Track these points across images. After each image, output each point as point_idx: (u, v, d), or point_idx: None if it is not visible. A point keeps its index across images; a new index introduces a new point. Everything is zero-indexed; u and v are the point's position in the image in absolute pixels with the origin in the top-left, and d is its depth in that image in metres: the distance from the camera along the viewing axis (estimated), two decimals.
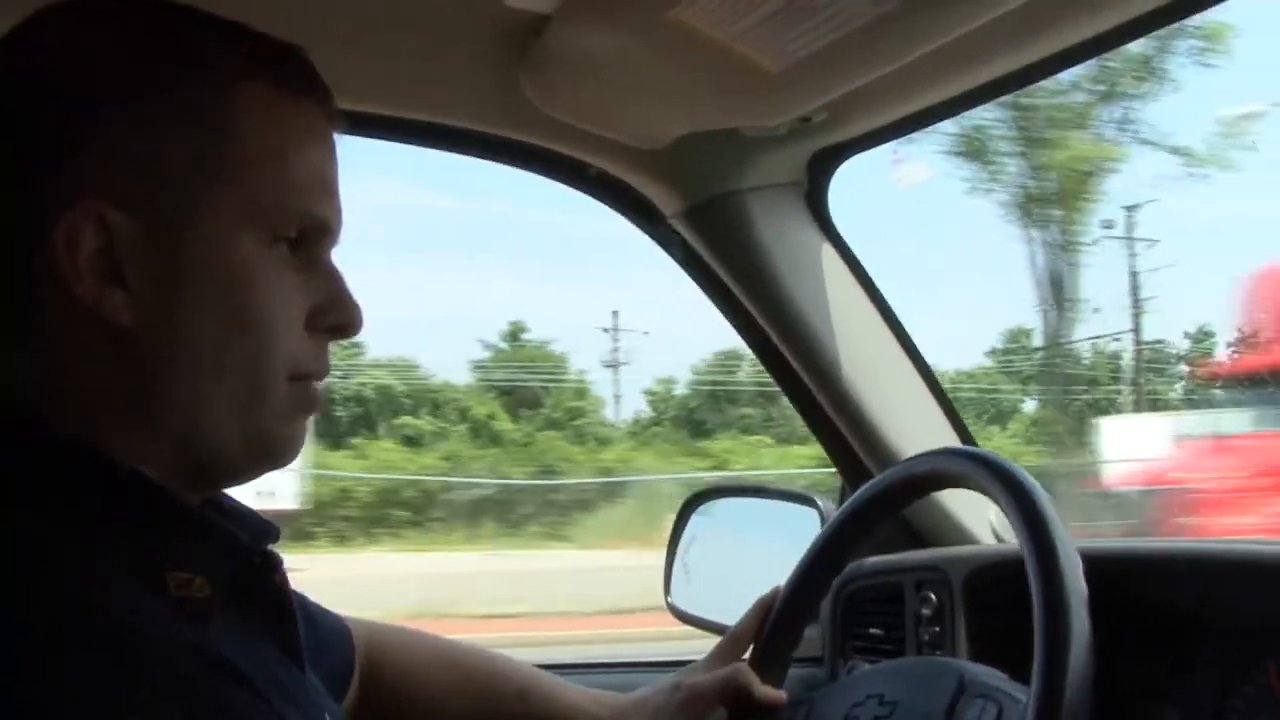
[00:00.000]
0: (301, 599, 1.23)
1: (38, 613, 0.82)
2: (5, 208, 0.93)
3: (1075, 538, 1.21)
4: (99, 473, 0.92)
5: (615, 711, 1.46)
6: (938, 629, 1.73)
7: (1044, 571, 1.17)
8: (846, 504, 1.50)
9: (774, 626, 1.48)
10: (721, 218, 1.84)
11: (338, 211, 1.02)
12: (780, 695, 1.43)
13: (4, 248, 0.94)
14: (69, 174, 0.92)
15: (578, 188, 1.90)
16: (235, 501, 1.08)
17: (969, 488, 1.34)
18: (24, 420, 0.93)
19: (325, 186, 1.01)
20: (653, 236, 1.95)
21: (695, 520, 2.15)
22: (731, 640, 1.50)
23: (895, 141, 1.75)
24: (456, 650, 1.51)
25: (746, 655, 1.51)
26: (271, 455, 1.01)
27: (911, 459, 1.48)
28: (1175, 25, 1.43)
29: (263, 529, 1.05)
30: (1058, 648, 1.12)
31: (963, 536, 1.93)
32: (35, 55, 0.96)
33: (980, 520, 1.93)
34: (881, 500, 1.47)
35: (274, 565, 1.04)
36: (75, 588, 0.85)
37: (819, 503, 1.97)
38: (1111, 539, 1.75)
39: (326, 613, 1.34)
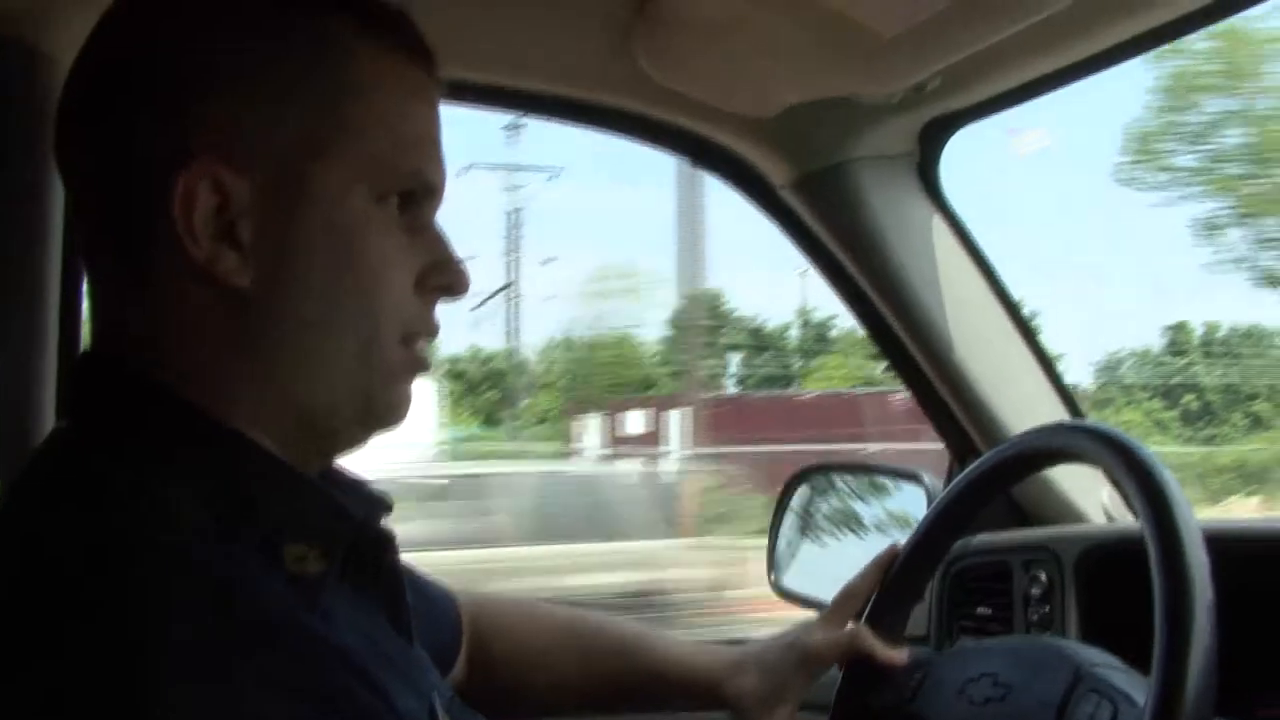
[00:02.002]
0: (409, 570, 1.23)
1: (162, 587, 0.82)
2: (122, 167, 0.94)
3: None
4: (210, 438, 0.93)
5: (727, 665, 1.44)
6: (1047, 609, 1.70)
7: (1165, 545, 1.13)
8: (963, 475, 1.47)
9: (892, 584, 1.46)
10: (832, 188, 1.83)
11: (443, 173, 1.03)
12: (900, 656, 1.40)
13: (121, 207, 0.94)
14: (182, 132, 0.92)
15: (684, 156, 1.90)
16: (349, 474, 1.08)
17: (1087, 463, 1.31)
18: (142, 384, 0.94)
19: (432, 147, 1.02)
20: (762, 207, 1.94)
21: (799, 497, 2.14)
22: (846, 595, 1.47)
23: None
24: (560, 615, 1.51)
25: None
26: (381, 416, 1.01)
27: (1027, 433, 1.44)
28: None
29: (377, 502, 1.06)
30: (1181, 628, 1.08)
31: (1072, 514, 1.91)
32: (151, 15, 0.97)
33: (1091, 498, 1.90)
34: (997, 474, 1.44)
35: (387, 539, 1.04)
36: (188, 558, 0.85)
37: (925, 479, 1.95)
38: (1237, 519, 1.70)
39: (433, 584, 1.35)
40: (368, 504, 1.04)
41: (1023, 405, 1.89)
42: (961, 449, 1.97)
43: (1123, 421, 34.43)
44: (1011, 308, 1.91)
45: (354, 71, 0.96)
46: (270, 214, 0.93)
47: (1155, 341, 38.57)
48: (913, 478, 2.00)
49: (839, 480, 2.20)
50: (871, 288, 1.89)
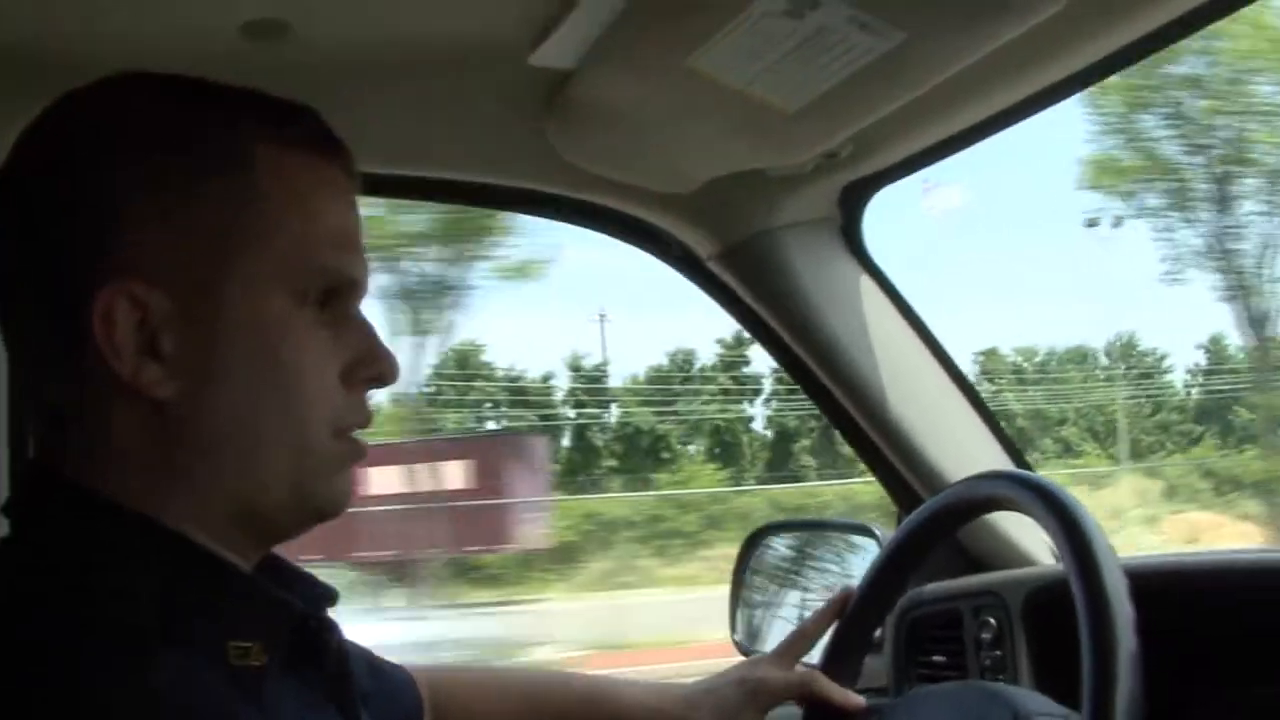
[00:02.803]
0: (365, 653, 1.25)
1: (91, 694, 0.84)
2: (41, 292, 0.95)
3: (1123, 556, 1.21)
4: (154, 543, 0.94)
5: (680, 703, 1.46)
6: (998, 653, 1.72)
7: (1089, 594, 1.16)
8: (897, 531, 1.51)
9: (844, 630, 1.49)
10: (758, 257, 1.85)
11: (364, 266, 1.04)
12: (860, 700, 1.43)
13: (45, 321, 0.96)
14: (99, 255, 0.93)
15: (614, 235, 1.93)
16: (291, 564, 1.09)
17: (1014, 510, 1.34)
18: (75, 492, 0.95)
19: (350, 242, 1.03)
20: (693, 280, 1.97)
21: (757, 556, 2.16)
22: (798, 635, 1.51)
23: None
24: (517, 680, 1.53)
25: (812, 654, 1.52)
26: (322, 509, 1.02)
27: (958, 483, 1.48)
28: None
29: (320, 591, 1.07)
30: (1105, 675, 1.11)
31: (1021, 559, 1.93)
32: (56, 140, 0.98)
33: (1036, 541, 1.92)
34: (933, 523, 1.47)
35: (330, 628, 1.04)
36: (128, 665, 0.86)
37: (877, 533, 1.97)
38: (1157, 555, 1.74)
39: (390, 664, 1.36)
40: (311, 595, 1.05)
41: (962, 454, 1.91)
42: (906, 501, 1.99)
43: None
44: (944, 359, 1.94)
45: (260, 175, 0.97)
46: (190, 324, 0.94)
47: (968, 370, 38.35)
48: (864, 531, 2.03)
49: (794, 538, 2.22)
50: (805, 351, 1.91)
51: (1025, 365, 40.97)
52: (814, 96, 1.33)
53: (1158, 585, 1.34)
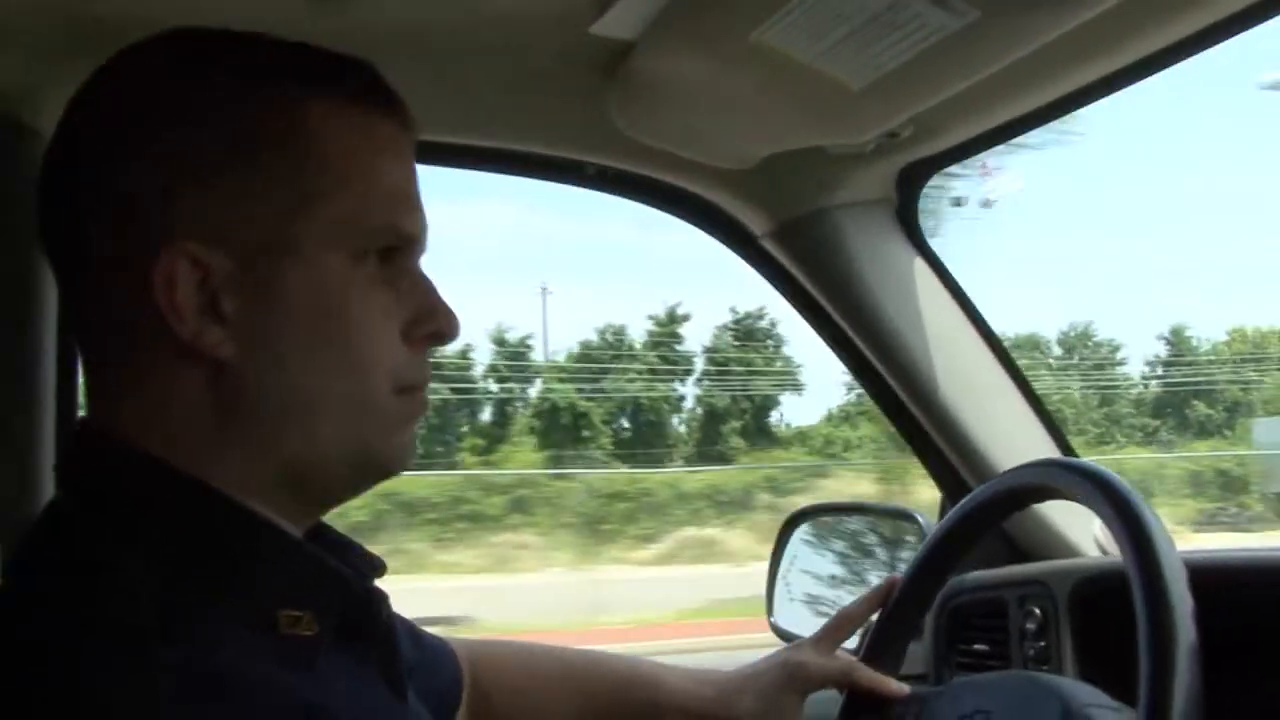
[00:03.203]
0: (407, 624, 1.25)
1: (139, 661, 0.84)
2: (99, 253, 0.96)
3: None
4: (205, 508, 0.94)
5: (724, 689, 1.46)
6: (1043, 644, 1.71)
7: (1148, 585, 1.14)
8: (945, 519, 1.49)
9: (888, 618, 1.48)
10: (812, 236, 1.85)
11: (422, 222, 1.04)
12: (903, 688, 1.42)
13: (106, 288, 0.96)
14: (158, 217, 0.93)
15: (667, 210, 1.92)
16: (341, 535, 1.09)
17: (1069, 499, 1.32)
18: (129, 453, 0.95)
19: (407, 199, 1.03)
20: (744, 257, 1.96)
21: (796, 539, 2.16)
22: (841, 619, 1.50)
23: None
24: (556, 656, 1.53)
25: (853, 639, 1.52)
26: (385, 467, 1.03)
27: (1010, 471, 1.46)
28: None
29: (369, 562, 1.07)
30: (1164, 668, 1.09)
31: (1066, 549, 1.92)
32: (110, 104, 0.98)
33: (1083, 532, 1.91)
34: (983, 511, 1.45)
35: (381, 599, 1.05)
36: (179, 632, 0.86)
37: (919, 518, 1.96)
38: (1220, 549, 1.72)
39: (431, 636, 1.36)
40: (360, 565, 1.05)
41: (1011, 442, 1.90)
42: (952, 487, 1.98)
43: (860, 435, 34.38)
44: (996, 346, 1.92)
45: (319, 133, 0.97)
46: (250, 285, 0.94)
47: None
48: (906, 516, 2.02)
49: (834, 521, 2.22)
50: (855, 332, 1.91)
51: None
52: (881, 74, 1.32)
53: (1215, 579, 1.32)
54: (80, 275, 0.98)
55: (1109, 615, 1.38)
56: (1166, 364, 39.90)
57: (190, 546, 0.92)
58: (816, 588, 2.14)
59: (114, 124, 0.97)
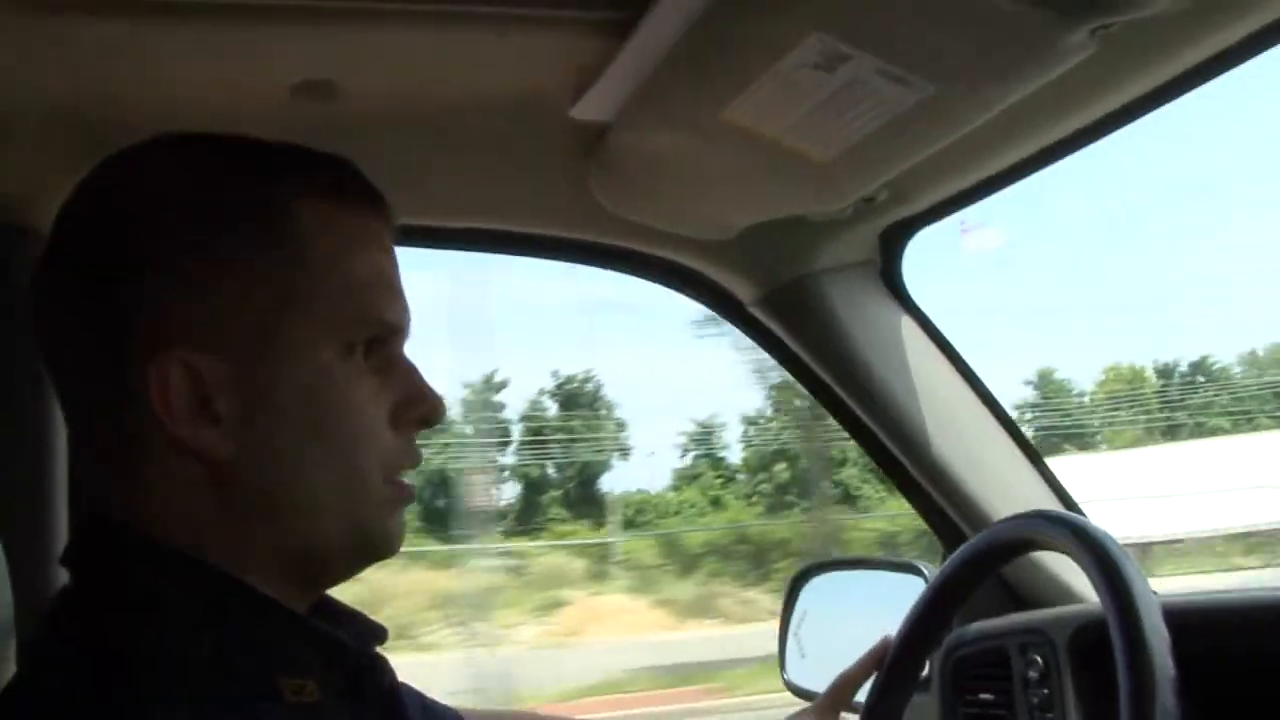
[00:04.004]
0: (419, 695, 1.27)
1: None
2: (93, 353, 0.98)
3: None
4: (211, 588, 0.96)
5: None
6: (1046, 691, 1.72)
7: (1124, 625, 1.17)
8: (935, 575, 1.52)
9: (888, 672, 1.51)
10: (799, 301, 1.88)
11: (406, 311, 1.06)
12: None
13: (100, 390, 0.98)
14: (150, 324, 0.96)
15: (656, 281, 1.95)
16: (340, 604, 1.11)
17: (1050, 549, 1.35)
18: (135, 540, 0.97)
19: (390, 289, 1.05)
20: (735, 323, 1.99)
21: (805, 595, 2.17)
22: (841, 682, 1.53)
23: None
24: None
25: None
26: (375, 551, 1.04)
27: (996, 525, 1.49)
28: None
29: (371, 631, 1.09)
30: (1143, 699, 1.13)
31: (1066, 596, 1.93)
32: (103, 206, 1.01)
33: (1082, 578, 1.91)
34: (974, 563, 1.48)
35: (382, 666, 1.07)
36: (187, 702, 0.89)
37: (924, 570, 1.98)
38: (1198, 593, 1.73)
39: (441, 705, 1.38)
40: (362, 634, 1.07)
41: (1008, 493, 1.92)
42: (952, 540, 2.00)
43: (681, 500, 32.36)
44: (987, 399, 1.95)
45: (305, 233, 0.99)
46: (242, 386, 0.96)
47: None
48: (910, 569, 2.04)
49: (840, 576, 2.23)
50: (848, 393, 1.93)
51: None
52: (848, 145, 1.35)
53: (1196, 622, 1.35)
54: (75, 378, 1.01)
55: (1108, 661, 1.40)
56: (1034, 407, 38.59)
57: (197, 624, 0.95)
58: (826, 643, 2.15)
59: (102, 232, 0.99)
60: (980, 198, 1.72)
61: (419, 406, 1.05)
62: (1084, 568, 1.27)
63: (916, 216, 1.77)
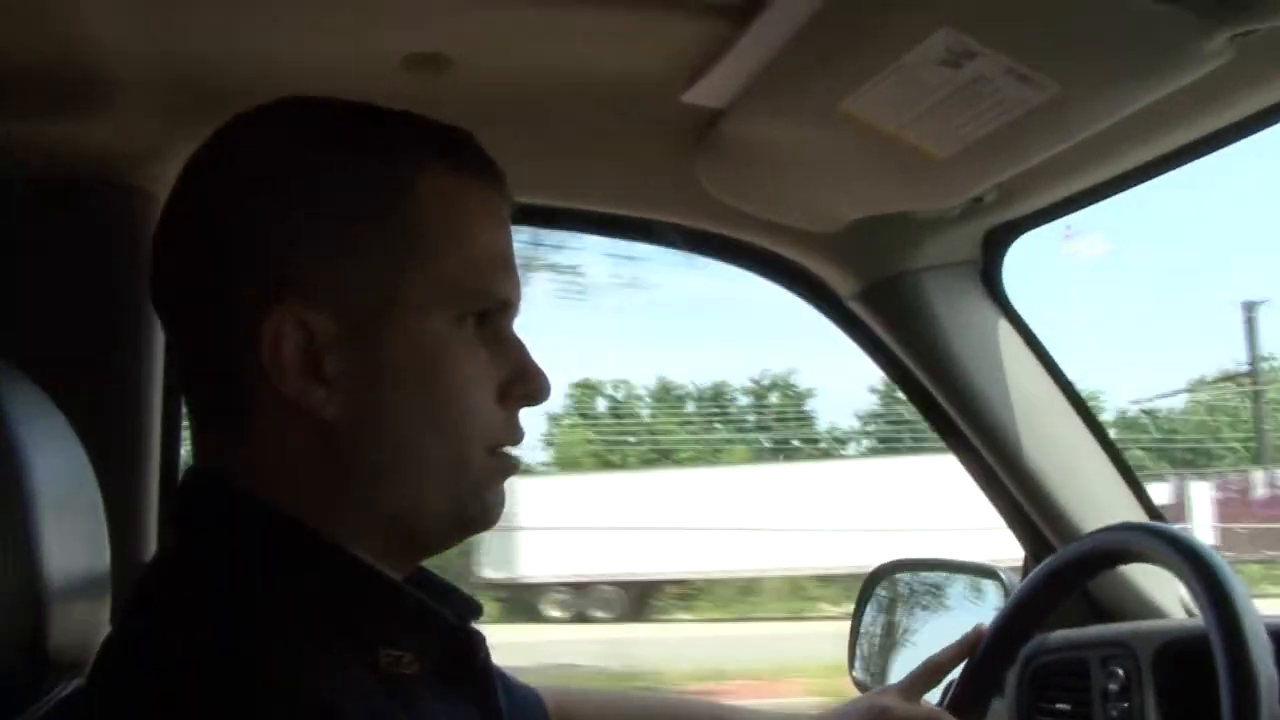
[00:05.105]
0: (500, 671, 1.28)
1: (247, 694, 0.87)
2: (209, 312, 0.99)
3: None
4: (315, 554, 0.98)
5: None
6: (1126, 705, 1.70)
7: (1230, 652, 1.15)
8: (1035, 570, 1.50)
9: (970, 674, 1.50)
10: (897, 298, 1.87)
11: (517, 286, 1.06)
12: None
13: (213, 347, 1.00)
14: (266, 279, 0.97)
15: (755, 271, 1.96)
16: (440, 579, 1.12)
17: (1154, 563, 1.33)
18: (241, 500, 0.99)
19: (505, 264, 1.05)
20: (830, 317, 1.99)
21: (879, 593, 2.16)
22: (929, 668, 1.51)
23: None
24: (637, 699, 1.55)
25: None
26: (475, 524, 1.05)
27: (1096, 532, 1.48)
28: None
29: (467, 606, 1.09)
30: None
31: (1150, 610, 1.91)
32: (223, 168, 1.02)
33: (1168, 594, 1.90)
34: (1069, 571, 1.47)
35: (479, 641, 1.07)
36: (285, 669, 0.89)
37: (1002, 575, 1.96)
38: None
39: (520, 683, 1.39)
40: (460, 608, 1.08)
41: (1095, 503, 1.90)
42: (1036, 547, 1.98)
43: None
44: (1080, 406, 1.93)
45: (424, 201, 1.00)
46: (353, 347, 0.97)
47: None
48: (990, 574, 2.02)
49: (917, 577, 2.22)
50: (940, 392, 1.92)
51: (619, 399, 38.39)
52: (966, 144, 1.34)
53: None
54: (189, 331, 1.03)
55: (1193, 678, 1.39)
56: (875, 416, 37.06)
57: (301, 589, 0.96)
58: (899, 642, 2.14)
59: (228, 185, 1.01)
60: (1089, 203, 1.71)
61: (526, 383, 1.06)
62: (1183, 579, 1.26)
63: (1023, 219, 1.76)
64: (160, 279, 1.04)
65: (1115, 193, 1.67)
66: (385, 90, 1.09)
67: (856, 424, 37.44)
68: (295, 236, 0.98)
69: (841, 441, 36.78)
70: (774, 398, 37.87)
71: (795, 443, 36.68)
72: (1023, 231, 1.80)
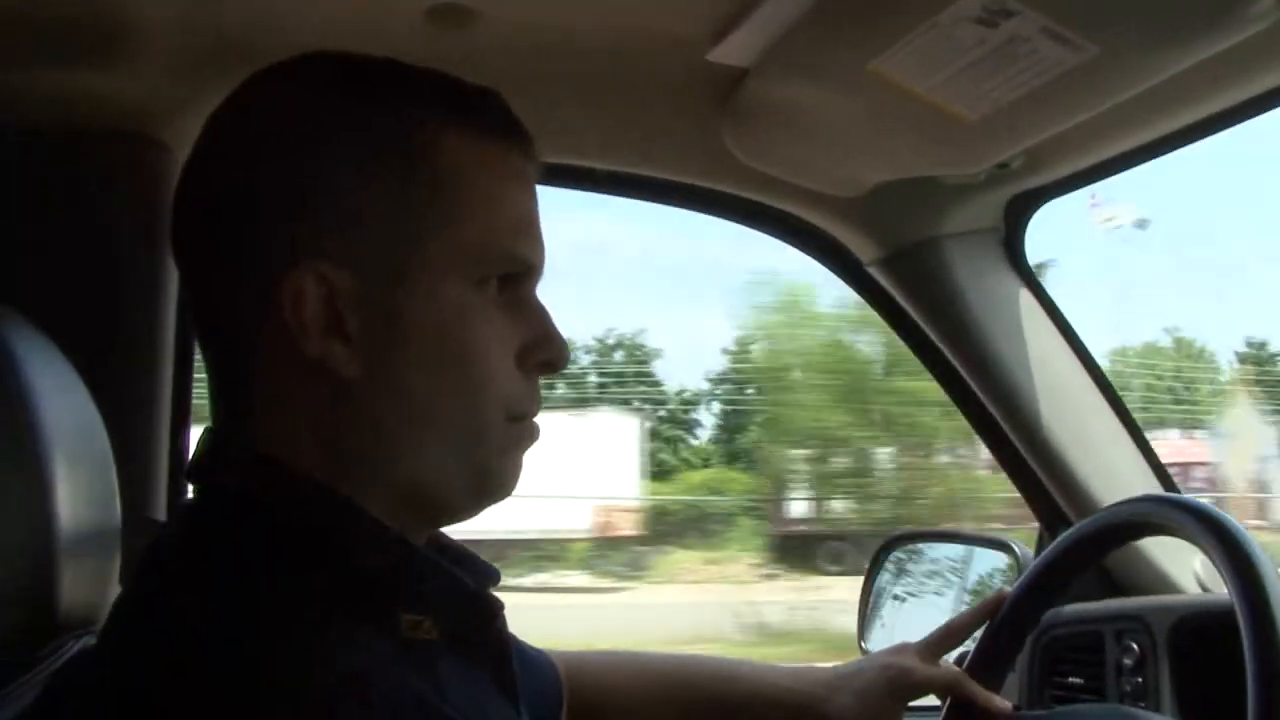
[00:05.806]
0: (513, 638, 1.27)
1: (264, 659, 0.86)
2: (230, 270, 0.98)
3: None
4: (334, 516, 0.96)
5: (823, 687, 1.45)
6: (1139, 680, 1.70)
7: (1256, 623, 1.14)
8: (1054, 543, 1.49)
9: (985, 644, 1.48)
10: (919, 264, 1.85)
11: (541, 251, 1.05)
12: (1007, 705, 1.42)
13: (233, 301, 0.98)
14: (289, 236, 0.95)
15: (776, 235, 1.94)
16: (459, 545, 1.11)
17: (1175, 535, 1.32)
18: (261, 461, 0.97)
19: (529, 227, 1.04)
20: (850, 283, 1.97)
21: (889, 563, 2.15)
22: (947, 631, 1.50)
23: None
24: (654, 662, 1.53)
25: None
26: (492, 491, 1.04)
27: (1118, 504, 1.46)
28: None
29: (485, 572, 1.08)
30: (1271, 702, 1.10)
31: (1165, 585, 1.90)
32: (247, 123, 1.01)
33: (1183, 568, 1.89)
34: (1088, 543, 1.45)
35: (497, 608, 1.06)
36: (302, 635, 0.88)
37: (1016, 548, 1.96)
38: None
39: (532, 648, 1.38)
40: (478, 575, 1.06)
41: (1112, 476, 1.90)
42: (1051, 519, 1.98)
43: None
44: (1099, 378, 1.92)
45: (449, 161, 0.98)
46: (374, 306, 0.96)
47: None
48: (1002, 546, 2.01)
49: (928, 548, 2.21)
50: (959, 360, 1.91)
51: None
52: (996, 107, 1.32)
53: None
54: (210, 287, 1.01)
55: (1209, 653, 1.38)
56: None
57: (321, 550, 0.94)
58: (909, 613, 2.13)
59: (252, 142, 0.99)
60: (1114, 172, 1.69)
61: (546, 349, 1.04)
62: (1208, 552, 1.24)
63: (1047, 186, 1.74)
64: (181, 233, 1.03)
65: (1142, 161, 1.65)
66: (408, 44, 1.07)
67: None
68: (318, 192, 0.96)
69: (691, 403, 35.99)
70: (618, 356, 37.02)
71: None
72: (1047, 199, 1.79)
